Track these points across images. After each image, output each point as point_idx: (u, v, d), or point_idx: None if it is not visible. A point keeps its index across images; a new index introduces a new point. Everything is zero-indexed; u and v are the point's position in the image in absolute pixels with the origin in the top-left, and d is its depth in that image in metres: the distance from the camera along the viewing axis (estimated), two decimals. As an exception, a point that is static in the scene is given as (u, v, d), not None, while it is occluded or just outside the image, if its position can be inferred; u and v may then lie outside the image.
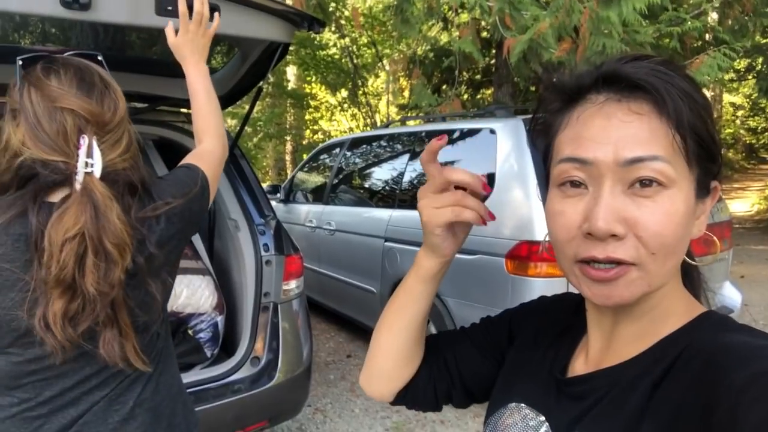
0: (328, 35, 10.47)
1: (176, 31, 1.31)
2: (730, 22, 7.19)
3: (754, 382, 0.43)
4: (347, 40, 10.15)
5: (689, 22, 6.12)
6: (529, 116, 3.31)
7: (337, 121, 13.09)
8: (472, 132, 3.50)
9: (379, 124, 10.55)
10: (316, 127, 12.71)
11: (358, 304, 4.18)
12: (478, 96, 9.82)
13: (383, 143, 4.42)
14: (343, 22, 9.72)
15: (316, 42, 9.86)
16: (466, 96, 9.55)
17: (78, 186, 0.94)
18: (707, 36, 7.28)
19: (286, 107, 12.41)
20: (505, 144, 3.16)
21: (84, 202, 0.92)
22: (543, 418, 0.64)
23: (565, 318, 0.71)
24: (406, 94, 10.36)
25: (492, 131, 3.27)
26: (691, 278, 0.63)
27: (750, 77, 11.09)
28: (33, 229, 0.91)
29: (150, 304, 1.04)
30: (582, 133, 0.55)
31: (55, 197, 0.96)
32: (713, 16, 7.35)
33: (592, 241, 0.53)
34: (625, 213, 0.51)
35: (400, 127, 4.62)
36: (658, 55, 0.58)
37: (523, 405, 0.67)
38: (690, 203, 0.53)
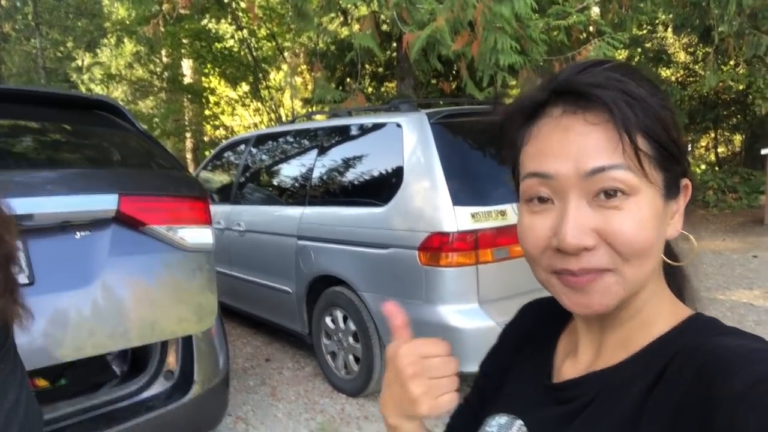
0: (225, 26, 10.11)
1: None
2: (610, 16, 7.75)
3: (752, 388, 0.44)
4: (245, 32, 9.85)
5: (575, 16, 6.52)
6: (433, 110, 3.39)
7: (240, 116, 12.71)
8: (378, 126, 3.52)
9: (284, 118, 10.35)
10: (217, 123, 12.28)
11: (273, 306, 4.10)
12: (382, 89, 9.91)
13: (290, 139, 4.34)
14: (240, 14, 9.41)
15: (212, 34, 9.49)
16: (370, 89, 9.61)
17: None
18: (590, 28, 7.79)
19: (183, 103, 11.88)
20: (411, 137, 3.21)
21: None
22: (520, 421, 0.64)
23: (545, 323, 0.71)
24: (310, 87, 10.25)
25: (398, 125, 3.31)
26: (675, 279, 0.64)
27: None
28: None
29: None
30: (542, 149, 0.56)
31: None
32: (595, 11, 7.87)
33: (564, 255, 0.54)
34: (594, 225, 0.52)
35: (306, 123, 4.56)
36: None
37: (502, 414, 0.67)
38: (658, 206, 0.54)
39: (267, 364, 4.10)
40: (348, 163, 3.63)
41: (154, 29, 4.96)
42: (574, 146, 0.53)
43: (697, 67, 12.94)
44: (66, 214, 1.90)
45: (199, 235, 2.22)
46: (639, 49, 11.77)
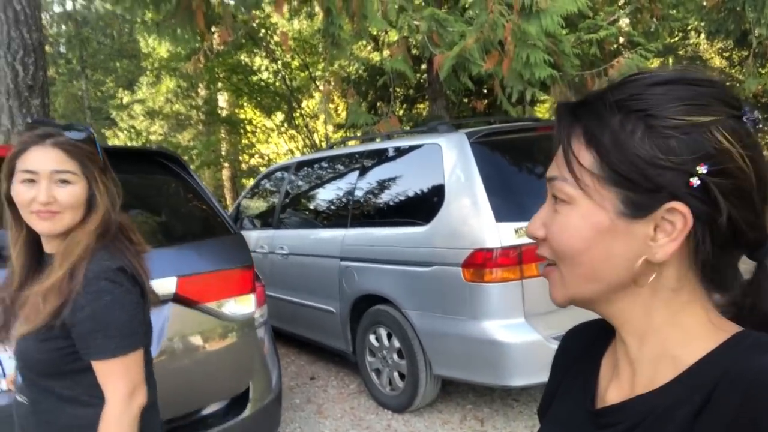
0: (259, 60, 10.45)
1: None
2: (641, 26, 7.72)
3: None
4: (279, 64, 10.16)
5: (606, 29, 6.52)
6: (472, 130, 3.45)
7: (275, 144, 13.01)
8: (417, 148, 3.60)
9: (318, 144, 10.57)
10: (252, 151, 12.61)
11: (317, 326, 4.17)
12: (413, 111, 10.03)
13: (331, 164, 4.46)
14: (273, 47, 9.72)
15: (247, 68, 9.82)
16: (401, 111, 9.74)
17: None
18: (621, 39, 7.77)
19: (220, 134, 12.25)
20: (451, 157, 3.27)
21: None
22: None
23: (589, 345, 0.71)
24: (342, 113, 10.46)
25: (437, 146, 3.38)
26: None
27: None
28: None
29: None
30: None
31: None
32: (626, 21, 7.85)
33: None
34: (545, 221, 0.60)
35: (346, 147, 4.68)
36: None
37: None
38: (596, 222, 0.55)
39: (312, 383, 4.16)
40: (389, 185, 3.71)
41: (195, 65, 5.19)
42: (555, 155, 0.60)
43: (733, 71, 12.69)
44: None
45: (243, 305, 2.38)
46: (672, 57, 11.64)
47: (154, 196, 2.60)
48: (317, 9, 7.08)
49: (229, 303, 2.33)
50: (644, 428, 0.56)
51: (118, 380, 1.19)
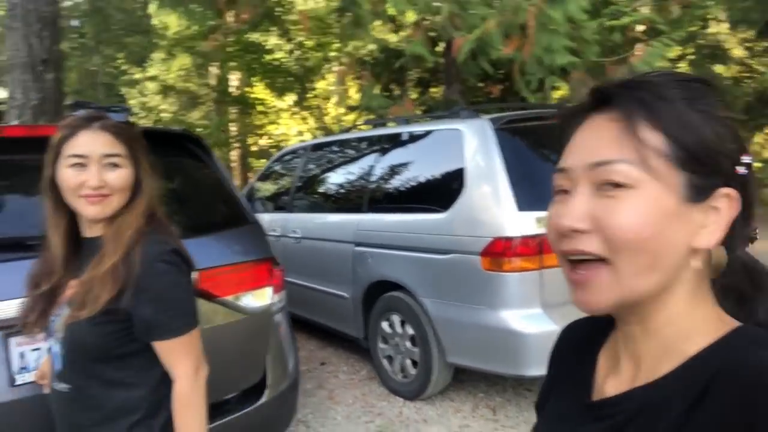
0: (274, 39, 10.32)
1: None
2: (665, 15, 7.53)
3: None
4: (293, 43, 10.04)
5: (630, 15, 6.37)
6: (495, 115, 3.38)
7: (284, 125, 12.92)
8: (437, 133, 3.53)
9: (329, 126, 10.48)
10: (261, 132, 12.53)
11: (329, 311, 4.15)
12: (427, 95, 9.91)
13: (347, 147, 4.40)
14: (288, 26, 9.60)
15: (261, 47, 9.72)
16: (414, 95, 9.62)
17: None
18: (642, 27, 7.59)
19: (229, 114, 12.16)
20: (472, 143, 3.20)
21: None
22: None
23: (585, 339, 0.71)
24: (353, 96, 10.34)
25: (458, 131, 3.31)
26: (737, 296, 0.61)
27: (682, 65, 11.64)
28: None
29: None
30: (570, 146, 0.60)
31: None
32: (646, 8, 7.67)
33: (565, 237, 0.57)
34: (593, 211, 0.55)
35: (363, 131, 4.61)
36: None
37: None
38: (664, 206, 0.53)
39: (322, 368, 4.15)
40: (407, 170, 3.64)
41: (213, 43, 5.10)
42: (589, 141, 0.57)
43: (752, 62, 12.45)
44: None
45: (260, 299, 2.33)
46: (692, 46, 11.41)
47: (177, 181, 2.54)
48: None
49: (247, 296, 2.30)
50: (640, 420, 0.55)
51: (185, 358, 1.24)
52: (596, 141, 0.56)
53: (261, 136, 12.69)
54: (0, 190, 2.13)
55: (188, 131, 2.67)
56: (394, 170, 3.76)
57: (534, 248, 2.85)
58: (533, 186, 3.02)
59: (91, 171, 1.18)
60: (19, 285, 1.79)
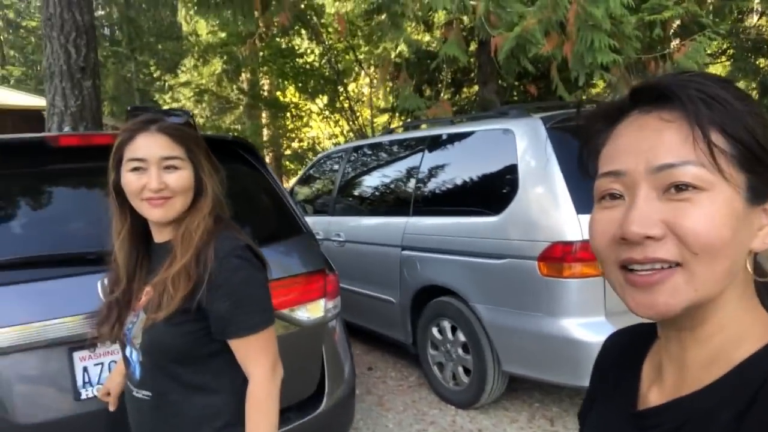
0: (305, 43, 10.34)
1: None
2: (705, 7, 7.30)
3: None
4: (325, 46, 10.04)
5: (672, 9, 6.18)
6: (548, 114, 3.28)
7: (316, 129, 12.94)
8: (486, 133, 3.44)
9: (363, 128, 10.45)
10: (292, 135, 12.57)
11: (375, 315, 4.09)
12: (460, 95, 9.80)
13: (391, 149, 4.34)
14: (320, 29, 9.61)
15: (295, 51, 9.75)
16: (446, 96, 9.53)
17: None
18: (676, 22, 7.36)
19: (262, 118, 12.23)
20: (524, 143, 3.11)
21: None
22: None
23: (630, 348, 0.70)
24: (382, 97, 10.28)
25: (509, 131, 3.22)
26: None
27: (723, 60, 11.31)
28: None
29: None
30: (617, 147, 0.57)
31: None
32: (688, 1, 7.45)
33: (630, 245, 0.53)
34: (663, 216, 0.52)
35: (407, 132, 4.55)
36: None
37: None
38: (735, 207, 0.51)
39: (370, 373, 4.09)
40: (455, 172, 3.56)
41: (251, 48, 5.11)
42: (646, 143, 0.54)
43: (798, 56, 11.99)
44: None
45: (314, 312, 2.29)
46: (733, 40, 11.05)
47: (231, 189, 2.51)
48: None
49: (301, 310, 2.27)
50: (686, 430, 0.54)
51: (261, 356, 1.21)
52: (656, 142, 0.53)
53: (293, 139, 12.74)
54: (58, 203, 2.12)
55: (240, 138, 2.64)
56: (441, 172, 3.68)
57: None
58: (590, 188, 2.91)
59: (151, 174, 1.18)
60: (81, 300, 1.79)
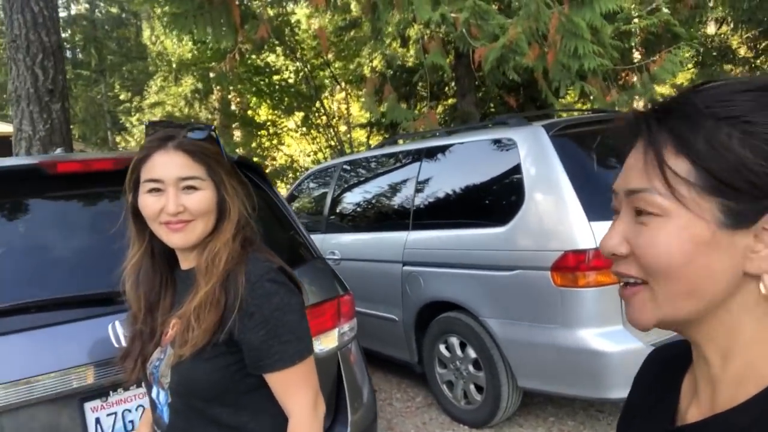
0: (280, 60, 10.24)
1: None
2: (675, 17, 7.49)
3: None
4: (300, 63, 9.96)
5: (647, 18, 6.30)
6: (549, 122, 3.24)
7: (288, 146, 12.78)
8: (486, 143, 3.39)
9: (343, 144, 10.37)
10: (270, 153, 12.40)
11: (378, 335, 3.96)
12: (438, 108, 9.82)
13: (386, 162, 4.25)
14: (298, 47, 9.53)
15: (270, 68, 9.63)
16: (424, 109, 9.53)
17: None
18: (639, 34, 7.52)
19: (233, 135, 12.02)
20: (528, 152, 3.06)
21: None
22: None
23: (669, 366, 0.70)
24: (365, 111, 10.22)
25: (510, 140, 3.17)
26: None
27: (689, 67, 11.63)
28: None
29: None
30: (624, 165, 0.59)
31: None
32: (665, 11, 7.64)
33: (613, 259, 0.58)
34: (628, 236, 0.56)
35: (404, 144, 4.47)
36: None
37: None
38: (697, 233, 0.52)
39: (374, 395, 3.95)
40: (456, 184, 3.49)
41: (230, 63, 4.99)
42: (628, 167, 0.57)
43: (758, 61, 12.45)
44: None
45: (327, 344, 2.17)
46: (697, 47, 11.40)
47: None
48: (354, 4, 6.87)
49: (315, 342, 2.16)
50: None
51: (301, 390, 1.10)
52: (632, 167, 0.56)
53: (267, 158, 12.55)
54: (58, 236, 1.94)
55: (246, 158, 2.51)
56: (441, 184, 3.60)
57: (611, 261, 2.69)
58: (600, 194, 2.87)
59: (169, 196, 1.08)
60: (91, 346, 1.64)
